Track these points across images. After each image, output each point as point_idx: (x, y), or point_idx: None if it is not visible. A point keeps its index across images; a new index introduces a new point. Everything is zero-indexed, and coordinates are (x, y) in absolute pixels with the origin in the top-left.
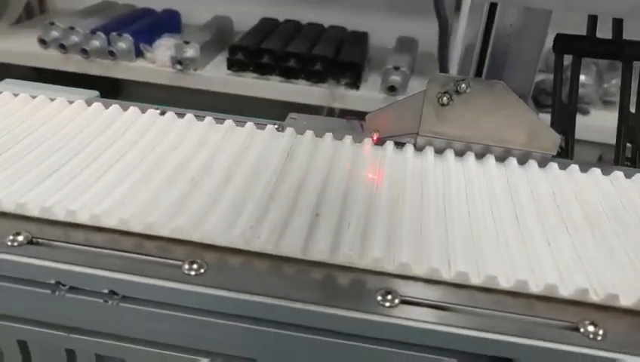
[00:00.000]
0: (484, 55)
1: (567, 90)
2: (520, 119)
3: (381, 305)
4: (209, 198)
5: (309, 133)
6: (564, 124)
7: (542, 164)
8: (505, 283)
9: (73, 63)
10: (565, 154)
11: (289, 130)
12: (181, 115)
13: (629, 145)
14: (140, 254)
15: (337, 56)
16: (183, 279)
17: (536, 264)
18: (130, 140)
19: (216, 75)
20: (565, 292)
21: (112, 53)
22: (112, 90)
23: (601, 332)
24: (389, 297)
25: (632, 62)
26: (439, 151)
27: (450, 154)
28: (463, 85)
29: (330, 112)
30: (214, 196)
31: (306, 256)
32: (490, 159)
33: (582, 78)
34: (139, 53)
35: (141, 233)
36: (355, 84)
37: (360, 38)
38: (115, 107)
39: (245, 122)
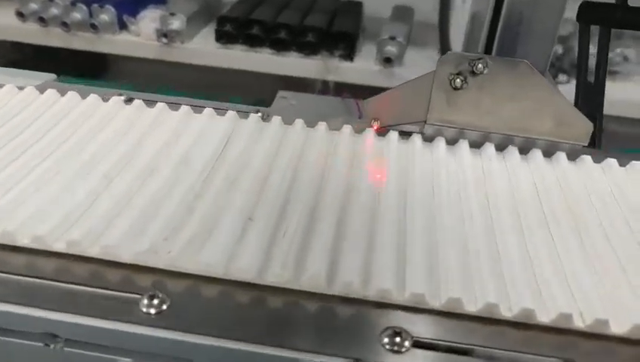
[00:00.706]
0: (495, 27)
1: (593, 67)
2: (547, 104)
3: (388, 349)
4: (120, 201)
5: (254, 117)
6: (590, 106)
7: (571, 156)
8: (544, 318)
9: (54, 37)
10: (592, 141)
11: (229, 114)
12: (151, 103)
13: None
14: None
15: (330, 27)
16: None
17: (579, 294)
18: (67, 132)
19: (203, 48)
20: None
21: (94, 26)
22: (95, 65)
23: None
24: (398, 339)
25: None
26: (451, 143)
27: (464, 146)
28: (480, 65)
29: (324, 85)
30: (127, 197)
31: (227, 274)
32: (513, 152)
33: None
34: (122, 26)
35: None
36: (349, 55)
37: (354, 8)
38: (71, 94)
39: (226, 110)
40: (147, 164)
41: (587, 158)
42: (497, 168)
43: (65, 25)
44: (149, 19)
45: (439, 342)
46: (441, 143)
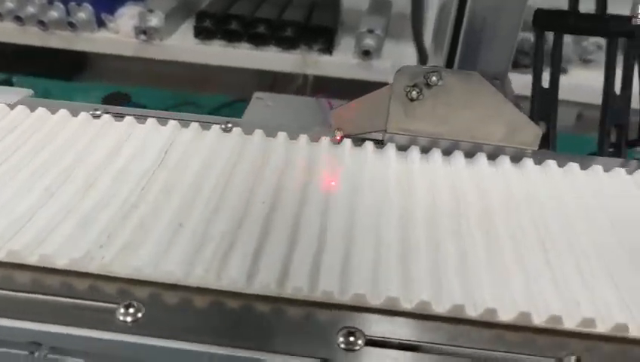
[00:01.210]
0: (459, 31)
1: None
2: (499, 112)
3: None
4: (59, 213)
5: (194, 125)
6: (545, 109)
7: (516, 159)
8: (472, 312)
9: (31, 36)
10: (546, 142)
11: (171, 123)
12: (119, 117)
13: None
14: None
15: (309, 21)
16: None
17: (505, 289)
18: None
19: (182, 45)
20: (538, 320)
21: (71, 24)
22: (74, 63)
23: None
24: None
25: (617, 39)
26: (404, 150)
27: (415, 151)
28: (434, 78)
29: (304, 79)
30: (67, 209)
31: (159, 277)
32: (460, 157)
33: None
34: (101, 24)
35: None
36: (328, 49)
37: (332, 1)
38: (40, 110)
39: (191, 121)
40: (87, 176)
41: (529, 161)
42: (444, 173)
43: (42, 23)
44: (127, 17)
45: (391, 340)
46: (391, 150)
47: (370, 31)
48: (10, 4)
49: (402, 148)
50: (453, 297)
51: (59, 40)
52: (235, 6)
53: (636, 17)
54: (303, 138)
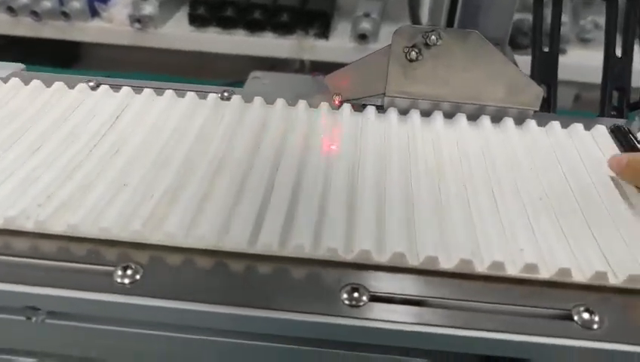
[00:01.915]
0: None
1: (548, 34)
2: (499, 72)
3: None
4: (3, 172)
5: (147, 91)
6: (545, 72)
7: (520, 121)
8: (480, 268)
9: (24, 27)
10: (547, 105)
11: (124, 90)
12: (117, 88)
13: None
14: None
15: (304, 6)
16: None
17: (513, 244)
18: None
19: (177, 32)
20: (547, 273)
21: (65, 14)
22: (68, 53)
23: (597, 319)
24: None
25: (617, 1)
26: (405, 113)
27: (415, 115)
28: (433, 37)
29: (301, 65)
30: (9, 171)
31: (95, 234)
32: (463, 119)
33: None
34: (94, 13)
35: None
36: (324, 34)
37: None
38: (35, 83)
39: (186, 91)
40: (35, 139)
41: (532, 122)
42: (447, 136)
43: (35, 14)
44: (121, 5)
45: (394, 295)
46: (393, 114)
47: (367, 15)
48: None
49: (403, 113)
50: (459, 252)
51: (52, 30)
52: None
53: None
54: (302, 104)
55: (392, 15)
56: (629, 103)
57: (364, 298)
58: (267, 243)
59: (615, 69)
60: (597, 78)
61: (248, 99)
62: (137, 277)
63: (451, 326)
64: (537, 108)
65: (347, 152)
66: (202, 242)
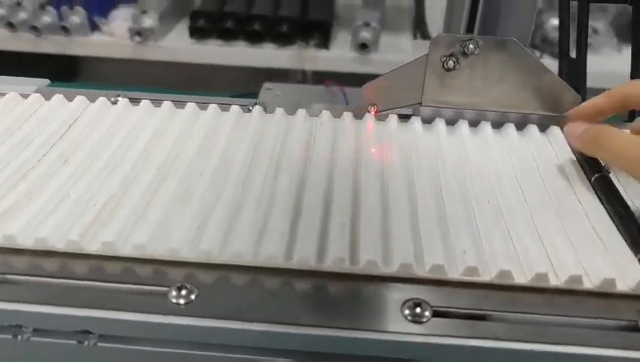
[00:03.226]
0: (476, 7)
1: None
2: (538, 80)
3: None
4: None
5: (101, 100)
6: (574, 80)
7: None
8: (554, 281)
9: (24, 42)
10: None
11: (78, 98)
12: (136, 102)
13: None
14: None
15: (304, 16)
16: None
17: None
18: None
19: (178, 45)
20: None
21: (65, 29)
22: (68, 68)
23: None
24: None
25: (568, 3)
26: (449, 123)
27: (441, 124)
28: (471, 46)
29: (303, 75)
30: None
31: (33, 246)
32: (508, 127)
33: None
34: (94, 27)
35: None
36: (324, 44)
37: None
38: (57, 97)
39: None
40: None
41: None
42: (495, 144)
43: (35, 29)
44: (120, 19)
45: (456, 310)
46: (417, 123)
47: (366, 24)
48: (1, 11)
49: (448, 122)
50: (499, 264)
51: (52, 45)
52: (229, 4)
53: None
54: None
55: (391, 24)
56: None
57: (427, 313)
58: (336, 258)
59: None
60: (596, 83)
61: (269, 110)
62: (193, 297)
63: (522, 341)
64: None
65: (378, 164)
66: (235, 258)
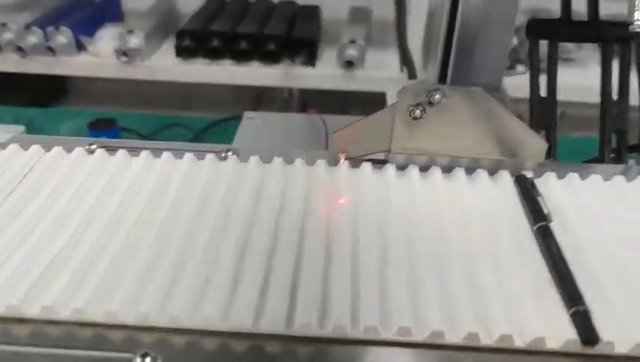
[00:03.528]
0: (450, 40)
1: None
2: (504, 127)
3: None
4: None
5: (56, 149)
6: (544, 119)
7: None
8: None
9: (10, 63)
10: (548, 151)
11: (33, 148)
12: (113, 151)
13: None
14: None
15: (290, 34)
16: None
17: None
18: None
19: (164, 64)
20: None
21: (51, 49)
22: (55, 88)
23: None
24: None
25: (612, 45)
26: (422, 169)
27: (415, 171)
28: (437, 96)
29: (289, 93)
30: None
31: None
32: (461, 173)
33: None
34: (80, 47)
35: None
36: (310, 61)
37: (312, 12)
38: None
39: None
40: None
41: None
42: (444, 191)
43: (20, 50)
44: (107, 39)
45: None
46: (391, 170)
47: (352, 41)
48: None
49: (403, 168)
50: (467, 325)
51: (39, 65)
52: (215, 22)
53: (632, 24)
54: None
55: (377, 40)
56: (626, 145)
57: None
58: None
59: (612, 112)
60: (580, 96)
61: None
62: None
63: None
64: (542, 160)
65: (348, 216)
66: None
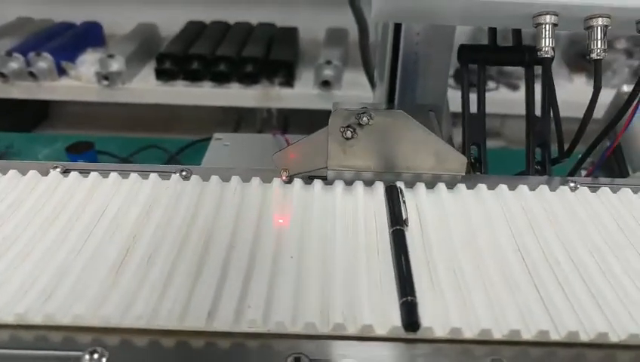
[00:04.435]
0: (396, 66)
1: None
2: (425, 145)
3: None
4: None
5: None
6: (475, 135)
7: (450, 185)
8: (440, 332)
9: None
10: (480, 165)
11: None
12: (85, 173)
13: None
14: None
15: (268, 56)
16: None
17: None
18: None
19: (145, 87)
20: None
21: (32, 74)
22: (38, 112)
23: None
24: None
25: (533, 68)
26: (349, 183)
27: (359, 186)
28: (365, 118)
29: (268, 113)
30: None
31: None
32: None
33: None
34: (62, 72)
35: None
36: (288, 82)
37: (290, 34)
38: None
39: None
40: None
41: (462, 186)
42: (365, 204)
43: (2, 75)
44: (88, 63)
45: None
46: (339, 186)
47: (329, 62)
48: None
49: (347, 183)
50: (308, 315)
51: (20, 91)
52: (194, 46)
53: (540, 51)
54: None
55: (353, 61)
56: (550, 159)
57: None
58: (226, 320)
59: (536, 129)
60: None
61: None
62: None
63: None
64: (463, 174)
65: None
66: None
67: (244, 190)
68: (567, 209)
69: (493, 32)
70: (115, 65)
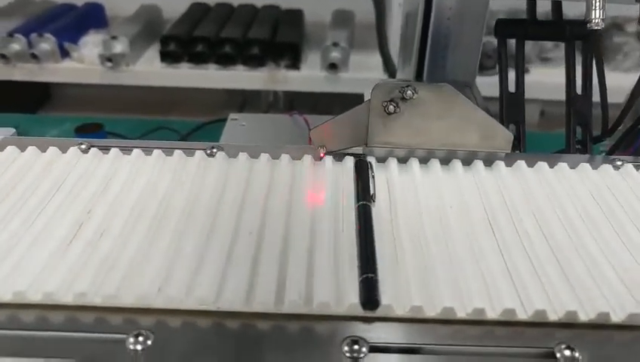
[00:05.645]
0: (425, 41)
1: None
2: (472, 120)
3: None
4: None
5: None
6: (513, 113)
7: (488, 163)
8: (462, 314)
9: None
10: (518, 143)
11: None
12: (106, 150)
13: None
14: None
15: (274, 38)
16: None
17: (493, 289)
18: None
19: (149, 70)
20: (524, 314)
21: (34, 56)
22: (40, 95)
23: (577, 355)
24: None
25: (574, 43)
26: (382, 161)
27: (393, 162)
28: (409, 92)
29: (274, 96)
30: None
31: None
32: (437, 164)
33: None
34: (64, 53)
35: None
36: (294, 65)
37: (295, 16)
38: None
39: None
40: None
41: (501, 163)
42: (423, 180)
43: (3, 57)
44: (91, 45)
45: (392, 345)
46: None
47: (335, 44)
48: None
49: (381, 160)
50: (443, 301)
51: (23, 73)
52: (199, 28)
53: (590, 22)
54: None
55: (360, 43)
56: (591, 137)
57: (364, 349)
58: (264, 301)
59: (577, 107)
60: (559, 94)
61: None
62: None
63: None
64: (509, 151)
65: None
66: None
67: (274, 166)
68: (613, 187)
69: (532, 5)
70: (119, 47)
